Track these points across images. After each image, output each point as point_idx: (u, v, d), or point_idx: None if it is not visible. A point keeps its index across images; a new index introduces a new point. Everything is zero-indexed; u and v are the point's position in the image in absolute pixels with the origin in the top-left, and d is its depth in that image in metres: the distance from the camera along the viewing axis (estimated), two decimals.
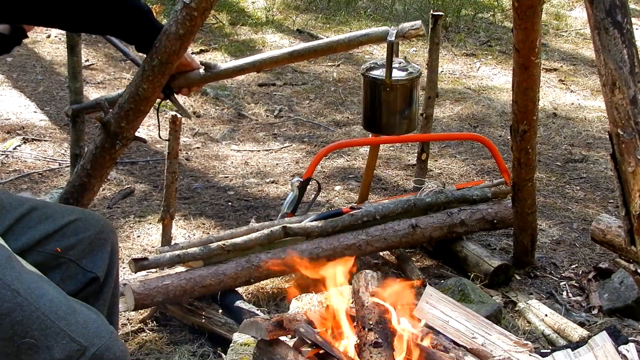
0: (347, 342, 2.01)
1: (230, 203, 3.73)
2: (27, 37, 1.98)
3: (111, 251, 1.81)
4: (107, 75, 5.50)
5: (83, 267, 1.73)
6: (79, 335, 1.48)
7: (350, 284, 2.22)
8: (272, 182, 3.98)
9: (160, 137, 2.49)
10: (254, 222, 2.99)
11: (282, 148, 4.46)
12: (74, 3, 1.80)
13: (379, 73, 2.16)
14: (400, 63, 2.19)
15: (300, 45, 2.25)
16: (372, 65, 2.23)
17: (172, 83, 2.08)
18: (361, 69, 2.22)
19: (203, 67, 2.09)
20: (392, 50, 2.07)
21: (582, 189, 4.00)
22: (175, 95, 2.14)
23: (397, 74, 2.18)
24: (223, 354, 2.37)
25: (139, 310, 2.60)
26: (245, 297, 2.71)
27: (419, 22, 2.23)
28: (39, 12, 1.79)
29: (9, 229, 1.66)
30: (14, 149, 4.23)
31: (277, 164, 4.22)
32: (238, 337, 2.23)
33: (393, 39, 2.07)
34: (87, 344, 1.48)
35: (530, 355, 2.10)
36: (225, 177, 4.03)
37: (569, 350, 2.16)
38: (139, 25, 1.92)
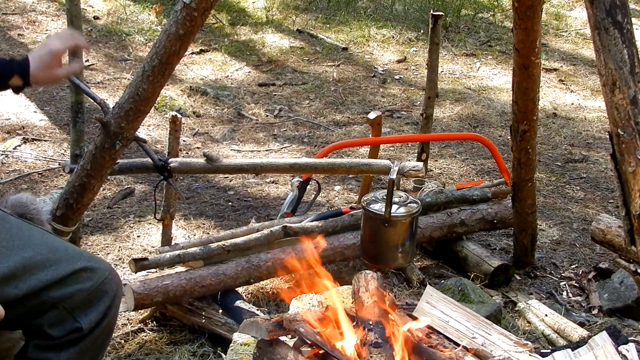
0: (347, 342, 2.01)
1: (230, 203, 3.73)
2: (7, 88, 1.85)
3: (110, 305, 1.76)
4: (107, 75, 5.50)
5: (74, 316, 1.71)
6: (87, 259, 1.70)
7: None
8: (272, 182, 3.97)
9: (155, 217, 2.59)
10: (254, 222, 2.99)
11: (282, 148, 4.46)
12: None
13: (379, 207, 2.15)
14: (400, 197, 2.17)
15: (303, 159, 2.27)
16: (373, 198, 2.21)
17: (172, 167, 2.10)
18: (362, 201, 2.21)
19: (205, 157, 2.09)
20: (392, 187, 2.06)
21: (582, 189, 4.00)
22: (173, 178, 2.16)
23: (396, 210, 2.16)
24: (223, 354, 2.36)
25: (139, 310, 2.60)
26: (245, 297, 2.71)
27: (420, 165, 2.22)
28: None
29: (13, 274, 1.65)
30: (14, 149, 4.23)
31: None
32: (238, 337, 2.23)
33: (394, 176, 2.07)
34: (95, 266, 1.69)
35: (530, 355, 2.10)
36: (225, 177, 4.03)
37: (569, 350, 2.15)
38: None
